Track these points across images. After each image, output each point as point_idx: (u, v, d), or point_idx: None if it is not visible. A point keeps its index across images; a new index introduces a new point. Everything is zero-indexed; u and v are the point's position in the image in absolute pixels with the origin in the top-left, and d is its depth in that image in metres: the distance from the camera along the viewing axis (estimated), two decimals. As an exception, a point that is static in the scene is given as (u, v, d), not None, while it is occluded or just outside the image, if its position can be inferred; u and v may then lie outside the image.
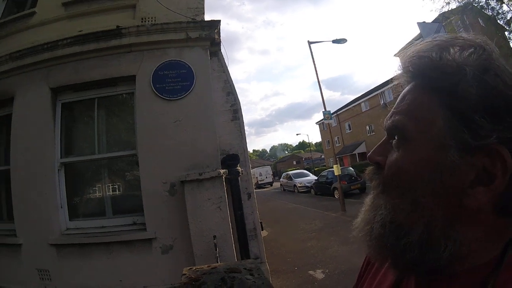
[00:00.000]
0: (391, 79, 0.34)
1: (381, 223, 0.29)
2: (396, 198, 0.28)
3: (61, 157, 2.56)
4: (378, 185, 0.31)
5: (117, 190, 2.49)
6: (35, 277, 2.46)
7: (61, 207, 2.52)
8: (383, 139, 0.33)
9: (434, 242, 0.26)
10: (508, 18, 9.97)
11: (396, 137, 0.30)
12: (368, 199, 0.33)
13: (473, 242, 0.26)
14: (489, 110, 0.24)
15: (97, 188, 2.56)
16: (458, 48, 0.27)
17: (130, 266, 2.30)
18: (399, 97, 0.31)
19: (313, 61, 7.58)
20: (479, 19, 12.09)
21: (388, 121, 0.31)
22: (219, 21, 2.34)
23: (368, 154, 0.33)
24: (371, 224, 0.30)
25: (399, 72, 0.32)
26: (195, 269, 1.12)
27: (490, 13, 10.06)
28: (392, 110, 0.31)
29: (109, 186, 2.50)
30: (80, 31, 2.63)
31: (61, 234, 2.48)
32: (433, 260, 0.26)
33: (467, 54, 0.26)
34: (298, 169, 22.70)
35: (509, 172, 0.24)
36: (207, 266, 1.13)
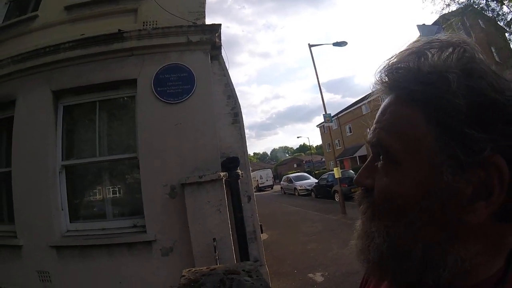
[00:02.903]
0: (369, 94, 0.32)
1: (378, 252, 0.27)
2: (390, 223, 0.27)
3: (62, 160, 2.58)
4: (368, 210, 0.29)
5: (117, 193, 2.50)
6: (35, 278, 2.46)
7: (62, 209, 2.54)
8: (369, 159, 0.31)
9: (434, 263, 0.25)
10: (509, 19, 10.00)
11: (382, 158, 0.28)
12: (358, 225, 0.31)
13: (475, 257, 0.25)
14: (479, 120, 0.23)
15: (97, 191, 2.57)
16: (437, 52, 0.25)
17: (131, 268, 2.30)
18: (380, 109, 0.29)
19: (314, 64, 7.62)
20: (479, 21, 12.11)
21: (373, 138, 0.29)
22: (219, 25, 2.37)
23: (355, 178, 0.32)
24: (366, 254, 0.28)
25: (377, 85, 0.30)
26: (194, 270, 1.14)
27: (491, 15, 10.10)
28: (374, 124, 0.29)
29: (109, 188, 2.51)
30: (82, 34, 2.66)
31: (62, 236, 2.49)
32: (434, 280, 0.25)
33: (447, 58, 0.24)
34: (298, 172, 22.46)
35: (507, 182, 0.23)
36: (206, 268, 1.15)
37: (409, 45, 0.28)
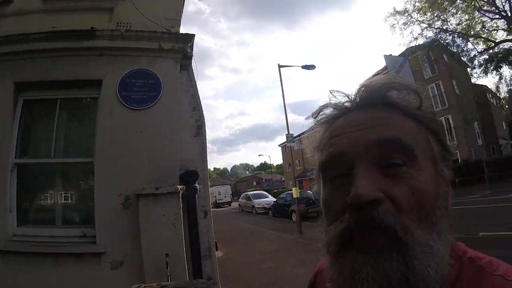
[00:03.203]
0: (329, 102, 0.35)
1: (425, 264, 0.24)
2: (427, 225, 0.26)
3: (15, 157, 2.42)
4: (403, 223, 0.25)
5: (69, 199, 2.36)
6: (-25, 283, 2.27)
7: (10, 211, 2.36)
8: (360, 169, 0.27)
9: (445, 257, 0.26)
10: (472, 55, 10.72)
11: (400, 158, 0.27)
12: (358, 258, 0.25)
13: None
14: (443, 134, 0.32)
15: (49, 194, 2.42)
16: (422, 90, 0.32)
17: (78, 280, 2.16)
18: (368, 118, 0.30)
19: (281, 84, 7.77)
20: (444, 55, 12.90)
21: (386, 134, 0.28)
22: (193, 35, 2.33)
23: (358, 193, 0.25)
24: (422, 275, 0.24)
25: (363, 94, 0.32)
26: (144, 286, 1.06)
27: (455, 50, 10.78)
28: (362, 126, 0.29)
29: (61, 193, 2.37)
30: (54, 27, 2.54)
31: (7, 240, 2.31)
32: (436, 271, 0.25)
33: (425, 97, 0.32)
34: (258, 190, 22.53)
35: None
36: (157, 284, 1.07)
37: (393, 76, 0.33)
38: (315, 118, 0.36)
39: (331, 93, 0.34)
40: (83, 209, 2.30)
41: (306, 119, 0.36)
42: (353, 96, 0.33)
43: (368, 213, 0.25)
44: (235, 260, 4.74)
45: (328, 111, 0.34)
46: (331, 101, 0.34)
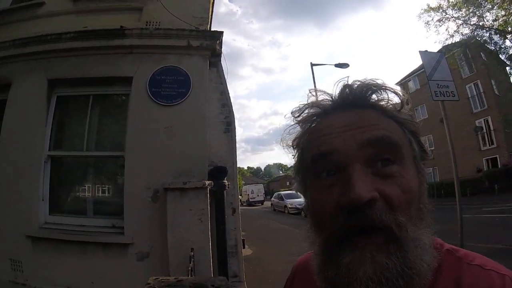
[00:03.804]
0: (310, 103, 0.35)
1: (417, 260, 0.26)
2: (416, 221, 0.28)
3: (49, 150, 2.54)
4: (396, 220, 0.26)
5: (100, 190, 2.45)
6: (7, 266, 2.39)
7: (43, 200, 2.48)
8: (358, 171, 0.27)
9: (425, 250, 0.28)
10: (511, 53, 10.11)
11: (390, 157, 0.29)
12: (356, 254, 0.26)
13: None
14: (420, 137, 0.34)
15: (81, 186, 2.51)
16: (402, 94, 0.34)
17: (104, 270, 2.23)
18: (357, 119, 0.31)
19: (314, 83, 7.71)
20: (481, 53, 12.25)
21: (379, 135, 0.29)
22: (221, 33, 2.36)
23: (355, 196, 0.25)
24: (411, 268, 0.25)
25: (351, 96, 0.33)
26: (161, 279, 1.08)
27: (493, 48, 10.22)
28: (352, 127, 0.30)
29: (93, 185, 2.46)
30: (85, 27, 2.65)
31: (39, 227, 2.43)
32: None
33: (407, 102, 0.34)
34: (290, 190, 22.58)
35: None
36: (174, 278, 1.09)
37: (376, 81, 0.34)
38: (296, 116, 0.35)
39: (310, 92, 0.35)
40: (113, 201, 2.38)
41: (285, 117, 0.36)
42: (336, 97, 0.33)
43: (366, 213, 0.26)
44: (263, 259, 4.70)
45: (312, 110, 0.34)
46: (312, 101, 0.35)
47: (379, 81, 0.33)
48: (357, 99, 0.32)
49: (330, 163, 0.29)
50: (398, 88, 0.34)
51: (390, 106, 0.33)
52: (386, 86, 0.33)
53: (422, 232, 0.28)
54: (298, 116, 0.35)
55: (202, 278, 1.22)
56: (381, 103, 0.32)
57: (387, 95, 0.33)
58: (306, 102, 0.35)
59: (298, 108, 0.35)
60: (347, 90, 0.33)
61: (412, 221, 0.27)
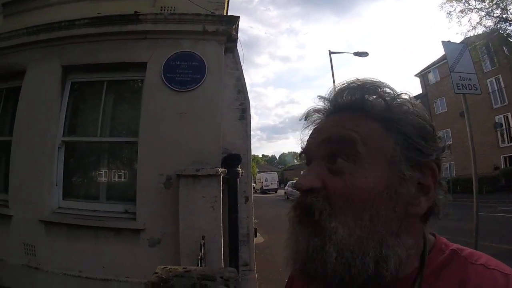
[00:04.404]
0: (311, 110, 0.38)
1: (338, 247, 0.28)
2: (351, 219, 0.29)
3: (63, 135, 2.55)
4: (324, 209, 0.29)
5: (114, 176, 2.45)
6: (21, 250, 2.43)
7: (56, 185, 2.50)
8: (313, 164, 0.33)
9: (389, 254, 0.28)
10: None
11: (342, 156, 0.30)
12: (297, 229, 0.31)
13: (409, 250, 0.29)
14: (422, 135, 0.31)
15: (94, 171, 2.52)
16: (391, 90, 0.33)
17: (116, 255, 2.24)
18: (330, 121, 0.34)
19: (332, 71, 7.56)
20: (504, 47, 11.76)
21: (335, 133, 0.32)
22: (238, 17, 2.30)
23: (297, 182, 0.33)
24: (321, 253, 0.29)
25: (322, 104, 0.36)
26: (169, 269, 1.05)
27: None
28: (330, 126, 0.33)
29: (106, 170, 2.46)
30: (99, 13, 2.63)
31: (52, 211, 2.46)
32: (385, 273, 0.28)
33: (402, 94, 0.33)
34: None
35: (437, 182, 0.31)
36: (182, 268, 1.06)
37: (365, 79, 0.34)
38: (306, 120, 0.38)
39: (318, 98, 0.38)
40: (126, 187, 2.38)
41: (299, 120, 0.39)
42: (328, 103, 0.36)
43: (305, 198, 0.31)
44: (274, 248, 4.63)
45: (316, 115, 0.38)
46: (315, 107, 0.37)
47: (368, 82, 0.33)
48: (340, 104, 0.34)
49: (306, 158, 0.35)
50: (389, 87, 0.33)
51: (373, 105, 0.32)
52: (375, 86, 0.32)
53: (364, 231, 0.28)
54: (306, 118, 0.38)
55: (211, 269, 1.18)
56: (363, 104, 0.32)
57: (376, 94, 0.32)
58: (312, 107, 0.38)
59: (306, 111, 0.38)
60: (332, 94, 0.35)
61: (350, 217, 0.28)
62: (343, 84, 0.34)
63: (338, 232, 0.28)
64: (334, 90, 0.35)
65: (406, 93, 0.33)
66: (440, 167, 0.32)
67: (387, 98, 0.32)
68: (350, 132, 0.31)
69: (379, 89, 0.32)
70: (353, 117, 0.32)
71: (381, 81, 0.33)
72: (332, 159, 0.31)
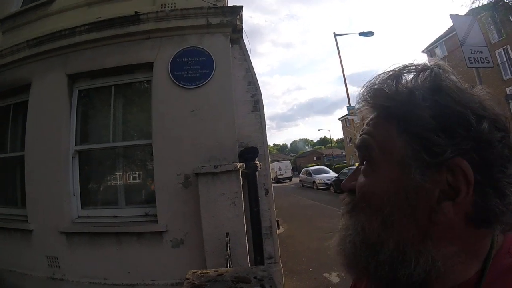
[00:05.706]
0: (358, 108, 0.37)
1: (352, 243, 0.31)
2: (365, 218, 0.30)
3: (75, 145, 2.53)
4: (348, 207, 0.33)
5: (131, 180, 2.43)
6: (44, 263, 2.44)
7: (74, 195, 2.49)
8: (356, 166, 0.36)
9: (406, 259, 0.27)
10: None
11: (365, 161, 0.32)
12: (342, 220, 0.35)
13: (450, 259, 0.27)
14: (443, 127, 0.27)
15: (110, 177, 2.50)
16: (410, 74, 0.30)
17: (139, 259, 2.23)
18: (366, 122, 0.35)
19: (339, 53, 7.42)
20: (510, 17, 11.37)
21: (359, 142, 0.33)
22: (241, 7, 2.23)
23: (342, 183, 0.35)
24: (343, 245, 0.32)
25: (362, 103, 0.34)
26: (200, 273, 1.01)
27: None
28: (360, 132, 0.34)
29: (123, 175, 2.44)
30: (99, 17, 2.59)
31: (72, 222, 2.45)
32: (405, 276, 0.27)
33: (417, 79, 0.30)
34: (318, 165, 21.82)
35: (472, 183, 0.26)
36: (214, 271, 1.02)
37: (390, 68, 0.32)
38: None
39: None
40: (144, 190, 2.36)
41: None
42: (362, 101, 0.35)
43: (345, 197, 0.35)
44: (295, 237, 4.69)
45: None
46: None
47: (383, 77, 0.31)
48: (372, 103, 0.33)
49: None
50: (408, 84, 0.30)
51: (390, 103, 0.30)
52: (383, 83, 0.31)
53: (380, 230, 0.29)
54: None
55: (244, 270, 1.13)
56: (382, 103, 0.31)
57: (392, 90, 0.30)
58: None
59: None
60: (367, 93, 0.34)
61: (368, 216, 0.30)
62: (369, 81, 0.33)
63: (350, 231, 0.31)
64: (363, 87, 0.34)
65: (431, 68, 0.30)
66: (483, 160, 0.26)
67: (404, 90, 0.29)
68: (367, 137, 0.32)
69: (395, 82, 0.30)
70: (376, 117, 0.32)
71: (401, 68, 0.31)
72: (362, 163, 0.33)
